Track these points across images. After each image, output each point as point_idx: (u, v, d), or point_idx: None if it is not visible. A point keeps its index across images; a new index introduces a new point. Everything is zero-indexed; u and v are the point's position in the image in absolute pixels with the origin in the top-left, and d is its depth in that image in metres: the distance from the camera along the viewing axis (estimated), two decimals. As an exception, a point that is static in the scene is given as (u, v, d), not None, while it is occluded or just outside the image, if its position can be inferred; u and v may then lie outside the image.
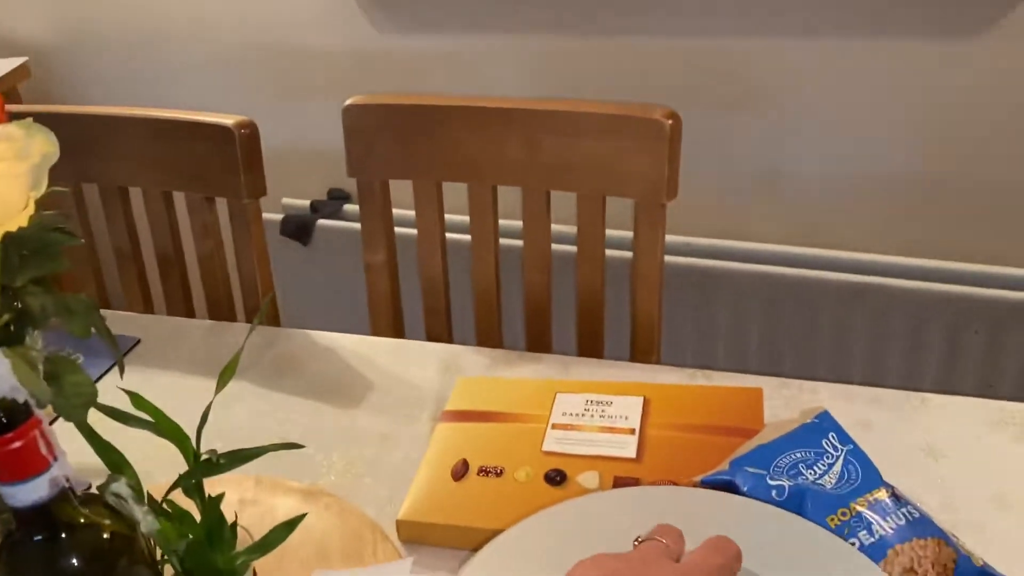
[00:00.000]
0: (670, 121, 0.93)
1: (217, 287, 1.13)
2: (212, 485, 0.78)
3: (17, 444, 0.38)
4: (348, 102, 1.04)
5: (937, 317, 1.33)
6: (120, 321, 1.07)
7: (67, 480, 0.41)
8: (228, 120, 1.01)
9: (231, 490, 0.77)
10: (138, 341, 1.03)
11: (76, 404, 0.50)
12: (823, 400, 0.85)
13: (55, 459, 0.40)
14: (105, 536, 0.43)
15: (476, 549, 0.71)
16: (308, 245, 1.64)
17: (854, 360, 1.41)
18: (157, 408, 0.56)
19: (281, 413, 0.90)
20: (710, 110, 1.43)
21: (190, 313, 1.19)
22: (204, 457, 0.56)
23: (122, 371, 0.53)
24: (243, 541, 0.60)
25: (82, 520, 0.42)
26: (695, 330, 1.45)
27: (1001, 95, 1.31)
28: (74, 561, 0.42)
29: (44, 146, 0.44)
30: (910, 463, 0.77)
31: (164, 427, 0.56)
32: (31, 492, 0.39)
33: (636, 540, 0.55)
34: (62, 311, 0.48)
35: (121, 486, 0.44)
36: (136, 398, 0.55)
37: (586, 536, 0.63)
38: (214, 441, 0.88)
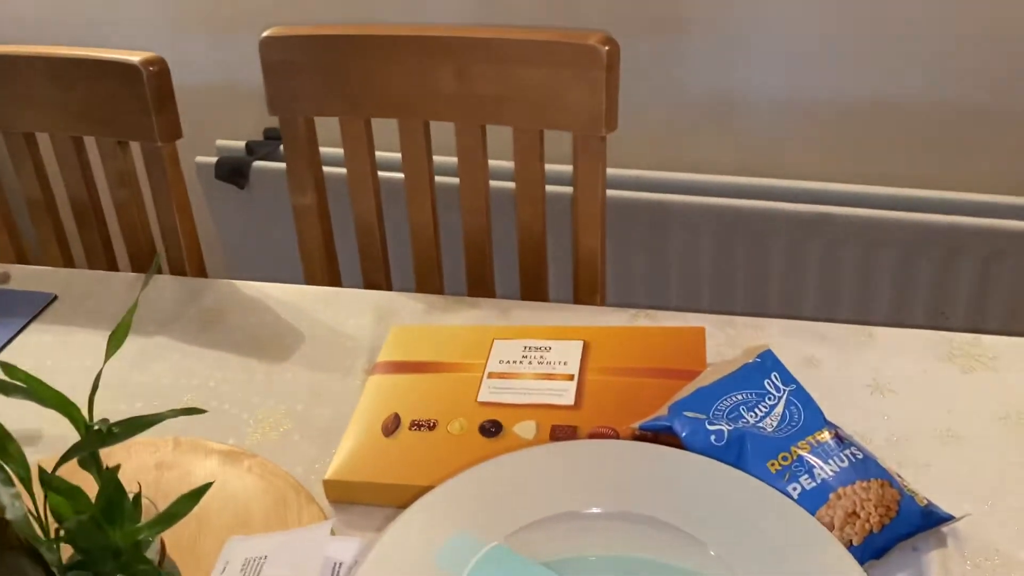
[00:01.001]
0: (607, 47, 0.88)
1: (138, 237, 1.07)
2: (125, 448, 0.74)
3: None
4: (265, 34, 0.97)
5: (890, 245, 1.31)
6: (35, 277, 1.00)
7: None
8: (134, 57, 0.94)
9: (147, 453, 0.73)
10: (54, 297, 0.97)
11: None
12: (769, 337, 0.82)
13: None
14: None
15: (406, 507, 0.68)
16: (244, 188, 1.57)
17: (806, 294, 1.39)
18: (33, 376, 0.51)
19: (205, 369, 0.85)
20: (652, 34, 1.37)
21: (112, 266, 1.13)
22: (95, 427, 0.52)
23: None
24: (149, 512, 0.56)
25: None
26: (645, 268, 1.41)
27: (967, 10, 1.27)
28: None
29: None
30: (856, 400, 0.75)
31: (44, 396, 0.51)
32: None
33: None
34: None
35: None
36: (7, 367, 0.50)
37: (518, 494, 0.60)
38: (132, 402, 0.83)
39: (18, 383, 0.50)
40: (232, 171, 1.56)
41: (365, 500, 0.69)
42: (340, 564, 0.62)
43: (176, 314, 0.93)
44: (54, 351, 0.89)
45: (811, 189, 1.35)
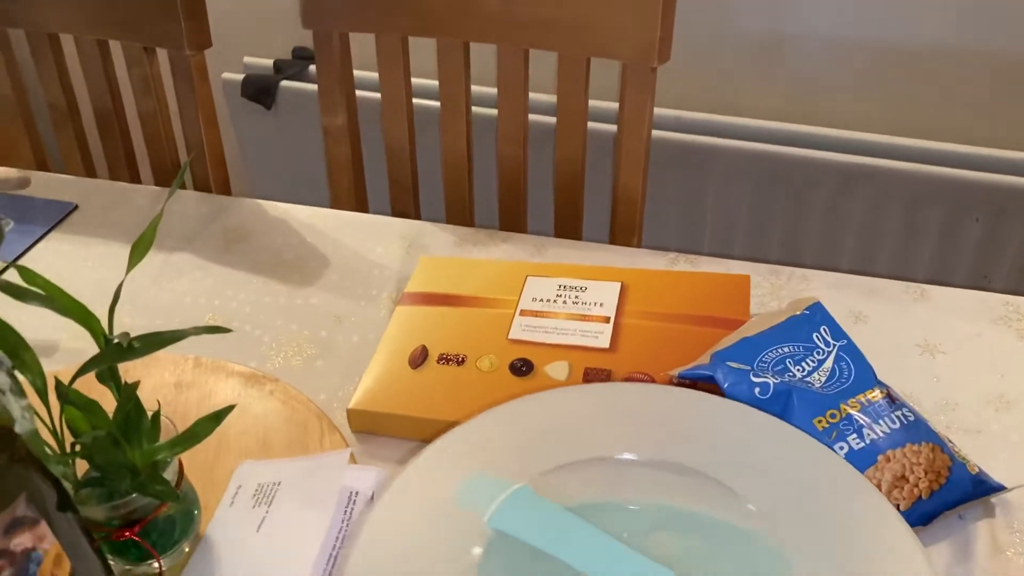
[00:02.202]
0: (665, -28, 0.82)
1: (162, 150, 1.03)
2: (144, 365, 0.72)
3: None
4: (302, -59, 0.92)
5: (936, 203, 1.26)
6: (56, 185, 0.98)
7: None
8: (165, -43, 0.89)
9: (166, 371, 0.71)
10: (75, 207, 0.94)
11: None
12: (814, 289, 0.79)
13: None
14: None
15: (430, 441, 0.65)
16: (271, 109, 1.52)
17: (844, 248, 1.34)
18: (52, 283, 0.48)
19: (228, 289, 0.83)
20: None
21: (134, 178, 1.10)
22: (115, 340, 0.49)
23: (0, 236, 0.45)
24: (168, 432, 0.54)
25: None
26: (679, 211, 1.37)
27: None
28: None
29: None
30: (905, 360, 0.71)
31: (64, 304, 0.48)
32: None
33: None
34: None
35: (0, 376, 0.37)
36: (27, 272, 0.48)
37: (548, 435, 0.57)
38: (152, 318, 0.81)
39: (36, 289, 0.48)
40: (259, 90, 1.51)
41: (388, 432, 0.67)
42: (356, 493, 0.60)
43: (199, 231, 0.90)
44: (73, 261, 0.87)
45: (859, 140, 1.30)
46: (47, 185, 0.98)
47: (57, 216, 0.93)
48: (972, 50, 1.27)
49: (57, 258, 0.87)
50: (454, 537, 0.51)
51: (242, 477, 0.62)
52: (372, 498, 0.60)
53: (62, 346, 0.77)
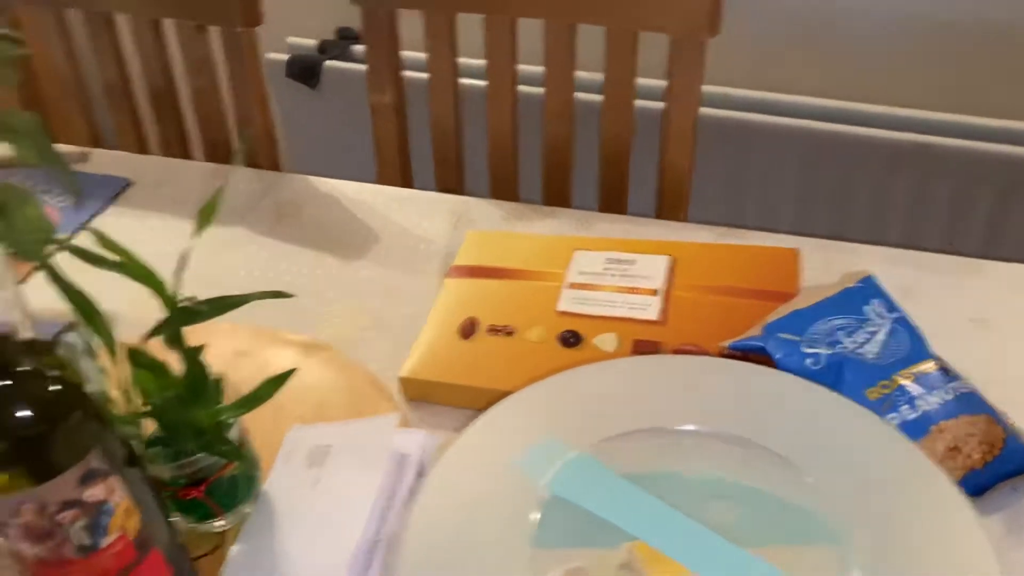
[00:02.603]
0: (715, -57, 0.82)
1: (214, 127, 1.05)
2: (204, 334, 0.73)
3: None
4: (352, -81, 0.93)
5: (985, 180, 1.24)
6: (111, 161, 1.00)
7: (5, 325, 0.35)
8: (217, -65, 0.90)
9: (224, 340, 0.73)
10: (129, 182, 0.96)
11: (31, 240, 0.44)
12: (864, 263, 0.78)
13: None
14: (53, 388, 0.38)
15: (483, 409, 0.67)
16: (316, 88, 1.54)
17: (891, 226, 1.33)
18: (126, 249, 0.49)
19: (280, 263, 0.84)
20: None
21: (186, 155, 1.12)
22: (183, 304, 0.51)
23: (76, 195, 0.47)
24: (230, 398, 0.55)
25: (26, 368, 0.37)
26: (723, 187, 1.36)
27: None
28: (16, 410, 0.37)
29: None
30: (958, 334, 0.71)
31: (136, 270, 0.50)
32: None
33: None
34: (4, 131, 0.41)
35: (74, 337, 0.38)
36: (102, 238, 0.49)
37: (607, 404, 0.58)
38: (207, 289, 0.82)
39: (110, 256, 0.49)
40: (303, 70, 1.53)
41: (440, 400, 0.68)
42: (405, 456, 0.61)
43: (251, 206, 0.92)
44: (130, 236, 0.87)
45: (906, 116, 1.28)
46: (101, 161, 1.00)
47: (113, 191, 0.95)
48: (1022, 25, 1.24)
49: (114, 232, 0.88)
50: (511, 501, 0.52)
51: (294, 440, 0.63)
52: (421, 461, 0.61)
53: (123, 316, 0.79)
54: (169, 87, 1.07)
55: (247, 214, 0.91)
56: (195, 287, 0.81)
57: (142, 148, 1.14)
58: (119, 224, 0.91)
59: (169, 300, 0.52)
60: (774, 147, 1.30)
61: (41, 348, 0.40)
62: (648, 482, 0.54)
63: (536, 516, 0.52)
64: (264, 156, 1.03)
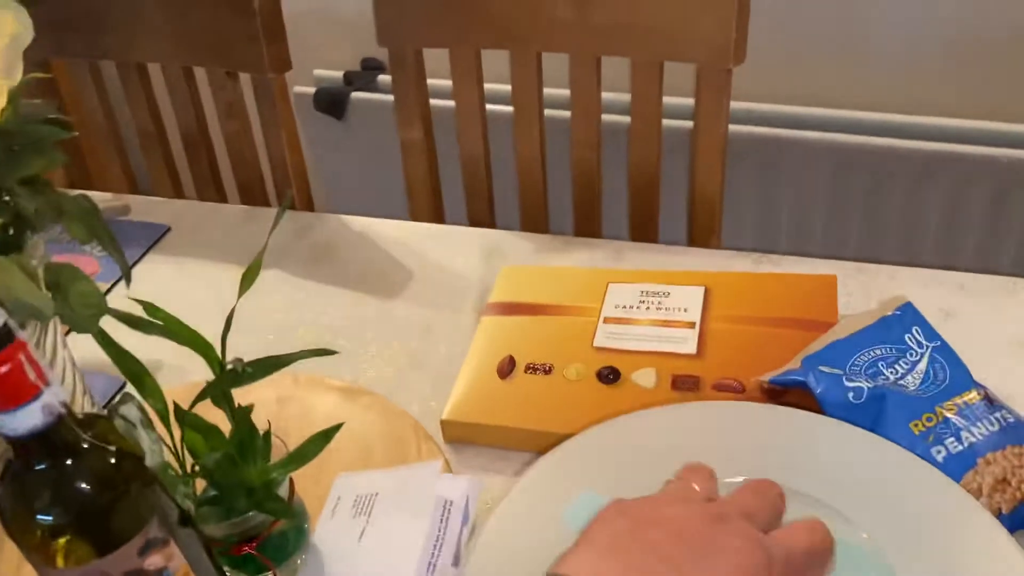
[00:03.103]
0: (738, -29, 0.82)
1: (247, 169, 1.07)
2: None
3: (3, 368, 0.33)
4: (375, -39, 0.94)
5: (1022, 188, 1.22)
6: (149, 207, 1.02)
7: (63, 406, 0.36)
8: (246, -14, 0.92)
9: (268, 388, 0.74)
10: (168, 229, 0.98)
11: (85, 315, 0.46)
12: (903, 286, 0.78)
13: (47, 384, 0.35)
14: (112, 460, 0.39)
15: (526, 449, 0.67)
16: (343, 120, 1.56)
17: (926, 239, 1.31)
18: (172, 316, 0.51)
19: (317, 304, 0.86)
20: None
21: (221, 197, 1.14)
22: (229, 367, 0.52)
23: (128, 281, 0.48)
24: (278, 450, 0.56)
25: (85, 445, 0.38)
26: (754, 208, 1.36)
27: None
28: (79, 487, 0.38)
29: (11, 26, 0.37)
30: (1000, 357, 0.70)
31: (182, 335, 0.51)
32: (24, 420, 0.35)
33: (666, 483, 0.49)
34: (58, 214, 0.42)
35: (130, 409, 0.40)
36: (149, 307, 0.51)
37: (651, 454, 0.58)
38: (248, 334, 0.84)
39: (157, 321, 0.51)
40: (330, 102, 1.55)
41: (481, 441, 0.69)
42: (451, 502, 0.62)
43: (287, 248, 0.93)
44: (171, 282, 0.91)
45: (938, 125, 1.27)
46: (139, 208, 1.02)
47: (152, 238, 0.97)
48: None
49: (156, 278, 0.91)
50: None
51: (340, 489, 0.64)
52: (466, 506, 0.62)
53: (166, 364, 0.80)
54: (202, 132, 1.09)
55: (283, 256, 0.92)
56: (234, 332, 0.83)
57: (177, 191, 1.16)
58: (158, 272, 0.93)
59: (216, 363, 0.53)
60: (804, 163, 1.29)
61: (98, 422, 0.41)
62: None
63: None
64: (298, 197, 1.05)
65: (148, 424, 0.40)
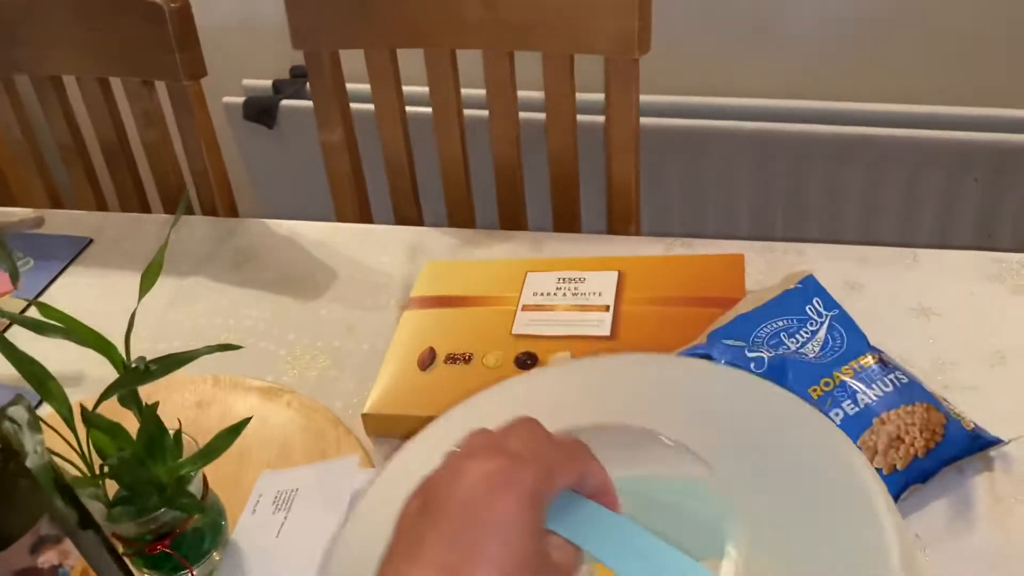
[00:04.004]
0: (638, -36, 0.84)
1: (168, 179, 1.07)
2: (164, 387, 0.75)
3: None
4: (286, -35, 0.94)
5: (934, 166, 1.27)
6: (71, 220, 1.01)
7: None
8: (155, -7, 0.92)
9: (186, 392, 0.74)
10: (90, 241, 0.98)
11: (-25, 318, 0.45)
12: (810, 262, 0.80)
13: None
14: (-1, 461, 0.39)
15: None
16: (273, 128, 1.55)
17: (847, 219, 1.35)
18: (69, 316, 0.51)
19: (241, 308, 0.86)
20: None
21: (145, 208, 1.13)
22: (133, 365, 0.52)
23: (15, 280, 0.48)
24: (190, 448, 0.57)
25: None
26: (680, 197, 1.38)
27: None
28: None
29: None
30: (901, 324, 0.73)
31: (82, 336, 0.51)
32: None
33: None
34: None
35: (18, 410, 0.40)
36: (44, 307, 0.50)
37: (543, 407, 0.57)
38: (171, 341, 0.84)
39: (55, 323, 0.51)
40: (260, 111, 1.54)
41: (405, 434, 0.69)
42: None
43: (209, 254, 0.93)
44: (93, 294, 0.90)
45: (851, 110, 1.31)
46: (61, 222, 1.01)
47: (73, 251, 0.96)
48: (951, 10, 1.28)
49: (77, 291, 0.91)
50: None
51: (262, 486, 0.65)
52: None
53: (88, 374, 0.80)
54: (122, 142, 1.08)
55: (206, 263, 0.92)
56: (157, 340, 0.83)
57: (100, 204, 1.15)
58: (80, 284, 0.92)
59: (119, 362, 0.53)
60: (726, 152, 1.32)
61: (-10, 424, 0.41)
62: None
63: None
64: (220, 203, 1.05)
65: (35, 426, 0.40)
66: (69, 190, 1.16)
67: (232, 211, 1.06)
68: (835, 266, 0.79)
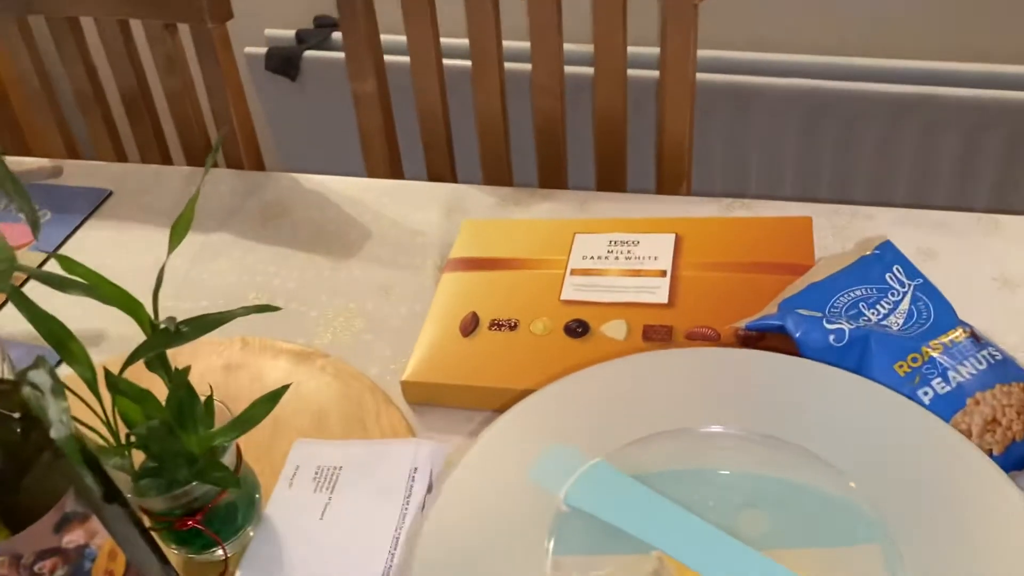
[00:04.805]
0: (702, -99, 0.77)
1: (191, 128, 1.01)
2: (191, 350, 0.70)
3: None
4: (318, -101, 0.88)
5: (992, 128, 1.20)
6: (90, 171, 0.96)
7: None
8: (179, -72, 0.86)
9: (214, 354, 0.70)
10: (110, 193, 0.93)
11: (-9, 271, 0.41)
12: (880, 227, 0.75)
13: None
14: (18, 430, 0.35)
15: (491, 409, 0.63)
16: (296, 80, 1.49)
17: (897, 182, 1.29)
18: (94, 272, 0.46)
19: (269, 266, 0.81)
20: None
21: (166, 159, 1.08)
22: (163, 326, 0.47)
23: (35, 230, 0.43)
24: (223, 416, 0.52)
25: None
26: (723, 155, 1.32)
27: None
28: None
29: None
30: (982, 296, 0.67)
31: (108, 293, 0.46)
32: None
33: None
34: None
35: (40, 375, 0.35)
36: (66, 261, 0.46)
37: (626, 404, 0.54)
38: (196, 300, 0.80)
39: (77, 279, 0.46)
40: (283, 62, 1.48)
41: (445, 402, 0.65)
42: (416, 469, 0.58)
43: (236, 208, 0.88)
44: (113, 248, 0.85)
45: (906, 68, 1.23)
46: (80, 172, 0.96)
47: (92, 203, 0.91)
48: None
49: (96, 245, 0.86)
50: (526, 513, 0.49)
51: (299, 457, 0.60)
52: (430, 473, 0.58)
53: (109, 333, 0.76)
54: (143, 90, 1.03)
55: (231, 218, 0.87)
56: (181, 298, 0.79)
57: (120, 155, 1.10)
58: (100, 237, 0.87)
59: (147, 323, 0.48)
60: (773, 109, 1.25)
61: (3, 390, 0.36)
62: (673, 486, 0.50)
63: (552, 526, 0.49)
64: (246, 156, 1.00)
65: (60, 393, 0.36)
66: (87, 140, 1.11)
67: (258, 164, 1.01)
68: (908, 232, 0.73)
